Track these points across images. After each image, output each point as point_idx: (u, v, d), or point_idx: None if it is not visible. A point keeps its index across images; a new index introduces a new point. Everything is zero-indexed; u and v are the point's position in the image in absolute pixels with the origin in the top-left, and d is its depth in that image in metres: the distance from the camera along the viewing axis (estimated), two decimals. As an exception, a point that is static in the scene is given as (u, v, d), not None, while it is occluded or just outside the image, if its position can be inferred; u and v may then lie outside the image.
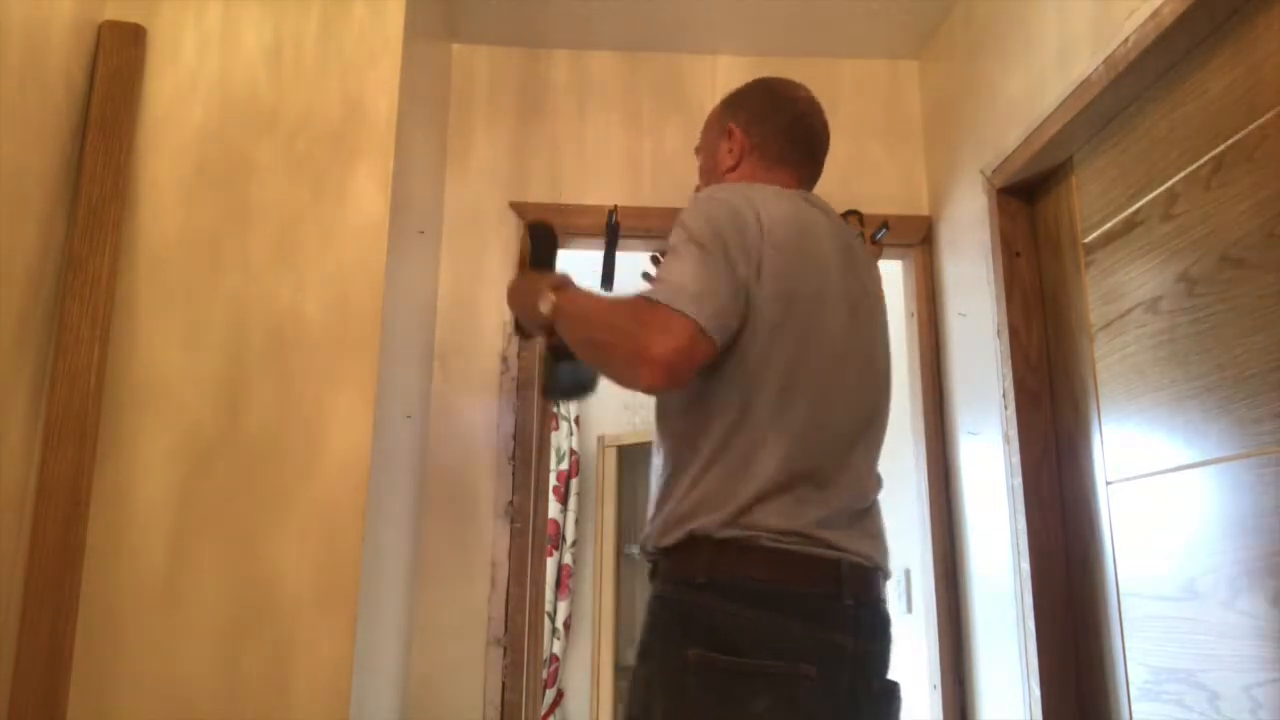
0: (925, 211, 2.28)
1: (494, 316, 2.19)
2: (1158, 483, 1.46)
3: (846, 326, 1.26)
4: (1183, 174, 1.42)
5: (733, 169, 1.39)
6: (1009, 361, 1.81)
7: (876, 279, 1.38)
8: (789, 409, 1.19)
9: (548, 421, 2.35)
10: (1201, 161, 1.37)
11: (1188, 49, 1.38)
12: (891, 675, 1.22)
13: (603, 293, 1.24)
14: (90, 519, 1.40)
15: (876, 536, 1.27)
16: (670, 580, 1.19)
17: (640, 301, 1.13)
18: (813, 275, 1.23)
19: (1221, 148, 1.33)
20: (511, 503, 2.09)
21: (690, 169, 2.29)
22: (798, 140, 1.41)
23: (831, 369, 1.23)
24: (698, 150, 1.50)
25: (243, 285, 1.54)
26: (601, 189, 2.27)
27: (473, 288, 2.20)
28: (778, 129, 1.40)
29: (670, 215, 2.20)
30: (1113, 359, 1.60)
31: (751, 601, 1.13)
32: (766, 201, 1.24)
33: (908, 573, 2.37)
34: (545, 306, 1.26)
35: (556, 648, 4.17)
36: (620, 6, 2.19)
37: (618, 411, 4.59)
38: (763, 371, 1.18)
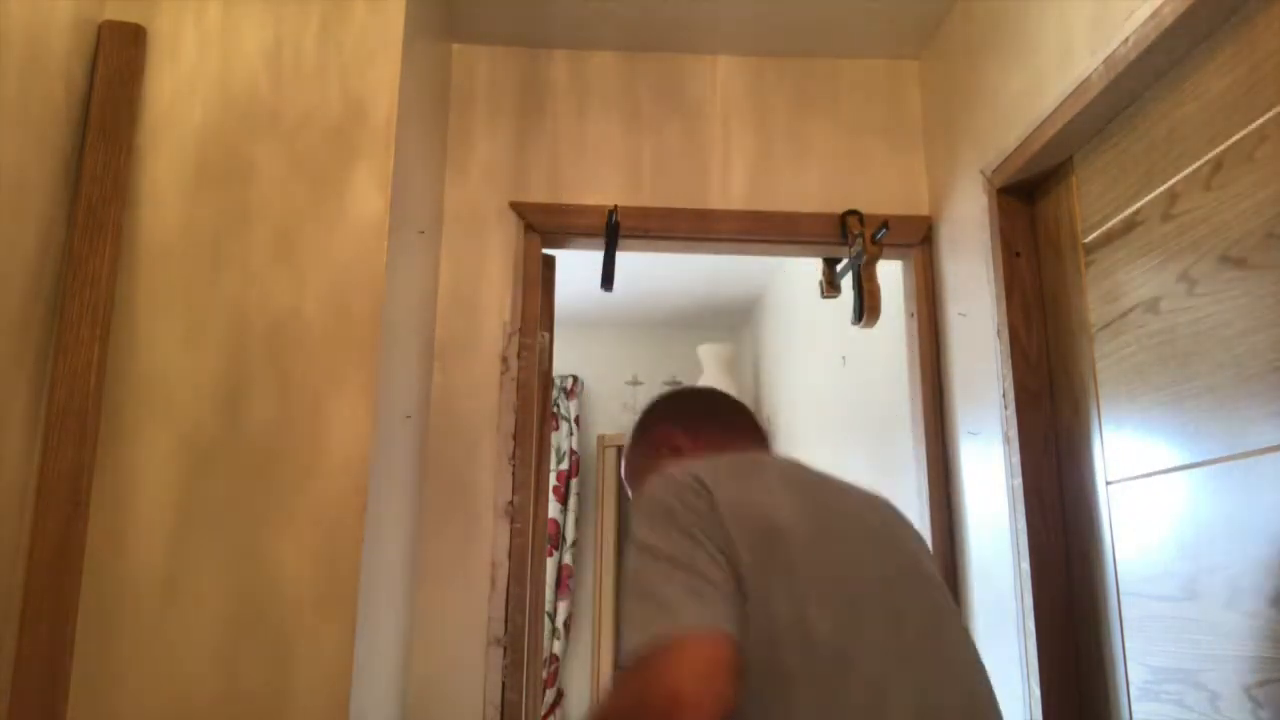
0: (925, 211, 2.28)
1: (494, 316, 2.19)
2: (1158, 483, 1.46)
3: (852, 534, 1.08)
4: (1183, 174, 1.42)
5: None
6: (1009, 361, 1.81)
7: (873, 500, 1.18)
8: (822, 644, 0.95)
9: (548, 421, 2.36)
10: (1202, 161, 1.37)
11: (1188, 49, 1.38)
12: None
13: None
14: (90, 519, 1.40)
15: None
16: None
17: (629, 668, 0.90)
18: (783, 503, 1.04)
19: (1222, 148, 1.33)
20: (511, 503, 2.09)
21: (690, 168, 2.31)
22: (729, 409, 1.33)
23: (853, 578, 1.02)
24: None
25: (243, 285, 1.54)
26: (601, 189, 2.27)
27: (473, 287, 2.20)
28: (701, 411, 1.32)
29: (670, 215, 2.24)
30: (1113, 359, 1.60)
31: None
32: (700, 462, 1.08)
33: (908, 573, 2.37)
34: None
35: (556, 648, 4.18)
36: (620, 6, 2.19)
37: (618, 412, 4.59)
38: (776, 621, 0.95)
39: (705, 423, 1.30)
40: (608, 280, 2.20)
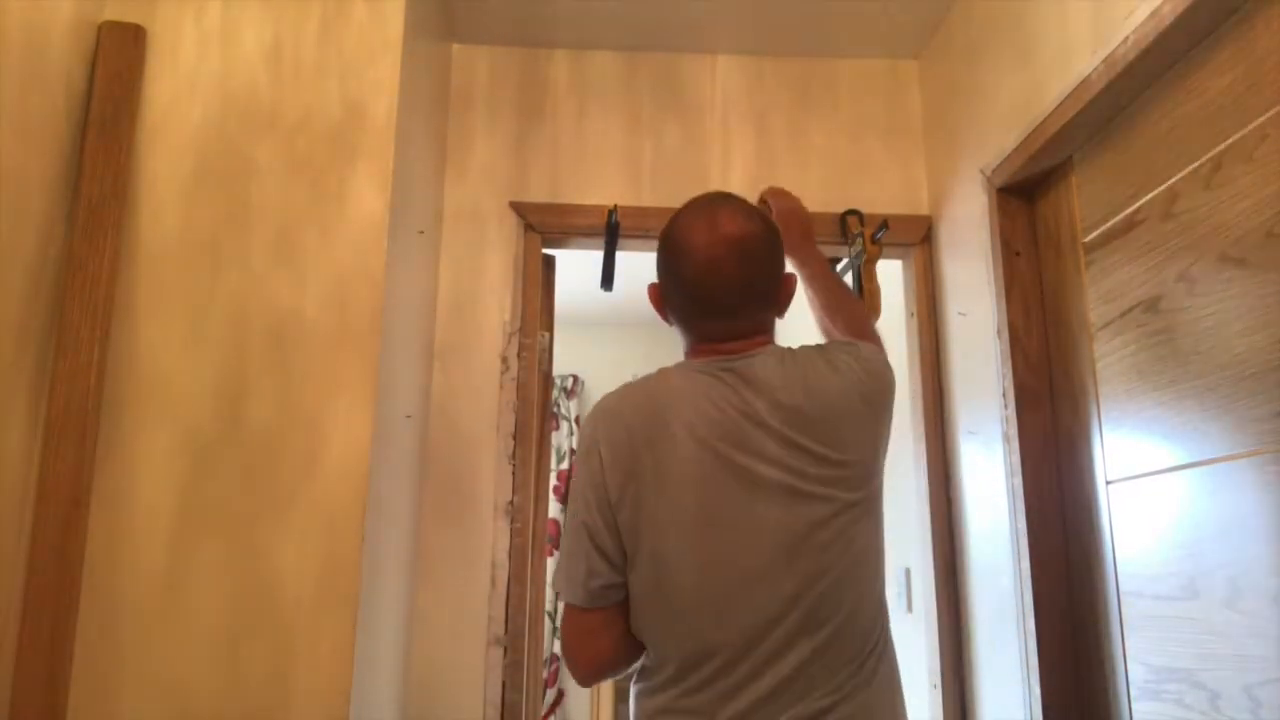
0: (925, 211, 2.28)
1: (494, 316, 2.19)
2: (1158, 483, 1.46)
3: (729, 499, 1.13)
4: (1182, 173, 1.42)
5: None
6: (1009, 361, 1.81)
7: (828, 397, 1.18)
8: (666, 622, 1.15)
9: (548, 421, 2.36)
10: (1201, 161, 1.37)
11: (1187, 48, 1.38)
12: None
13: None
14: (90, 519, 1.39)
15: None
16: None
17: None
18: (651, 471, 1.15)
19: (1221, 147, 1.33)
20: (511, 503, 2.09)
21: (690, 168, 2.31)
22: (699, 299, 1.22)
23: (708, 559, 1.13)
24: None
25: (243, 285, 1.54)
26: (601, 189, 2.27)
27: (472, 287, 2.20)
28: (679, 289, 1.26)
29: (670, 215, 2.22)
30: (1113, 359, 1.60)
31: None
32: (622, 404, 1.25)
33: (908, 572, 2.37)
34: None
35: (557, 648, 4.18)
36: (620, 6, 2.19)
37: (618, 411, 4.59)
38: (636, 589, 1.18)
39: (675, 300, 1.31)
40: (608, 280, 2.20)
